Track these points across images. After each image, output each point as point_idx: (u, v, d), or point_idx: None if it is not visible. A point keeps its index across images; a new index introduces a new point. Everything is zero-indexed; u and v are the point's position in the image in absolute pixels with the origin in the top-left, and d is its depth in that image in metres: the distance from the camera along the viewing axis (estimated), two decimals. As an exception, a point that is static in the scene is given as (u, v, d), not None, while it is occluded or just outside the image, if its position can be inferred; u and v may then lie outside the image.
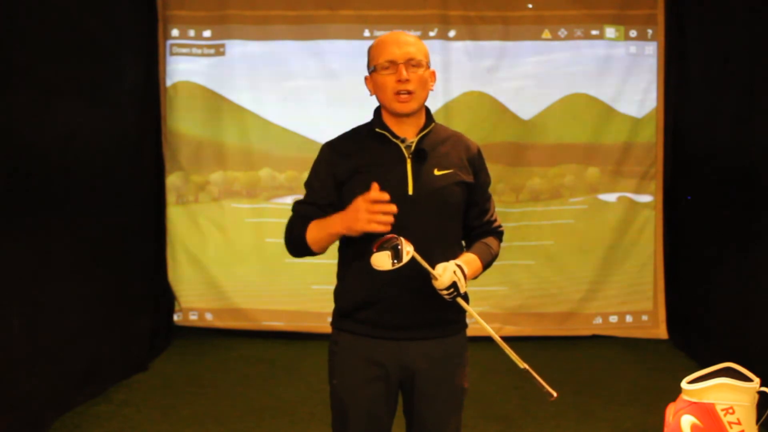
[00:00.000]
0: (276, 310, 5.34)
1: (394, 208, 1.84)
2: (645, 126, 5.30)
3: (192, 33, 5.27)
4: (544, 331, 5.32)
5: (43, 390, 3.54)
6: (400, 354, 2.01)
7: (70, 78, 3.86)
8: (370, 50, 2.04)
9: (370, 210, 1.84)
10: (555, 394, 1.87)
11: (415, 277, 1.92)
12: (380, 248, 1.82)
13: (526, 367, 1.91)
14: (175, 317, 5.35)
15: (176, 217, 5.36)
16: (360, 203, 1.85)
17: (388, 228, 1.84)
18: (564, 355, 4.98)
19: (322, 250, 2.04)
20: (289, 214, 2.12)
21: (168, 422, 3.74)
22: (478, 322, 1.95)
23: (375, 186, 1.85)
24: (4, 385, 3.25)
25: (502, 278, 5.27)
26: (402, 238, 1.82)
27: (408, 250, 1.81)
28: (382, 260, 1.81)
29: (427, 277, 1.90)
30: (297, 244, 2.05)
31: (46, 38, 3.63)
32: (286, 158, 5.29)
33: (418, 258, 1.85)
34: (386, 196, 1.84)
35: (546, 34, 5.25)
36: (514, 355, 1.91)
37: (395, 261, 1.80)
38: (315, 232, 2.00)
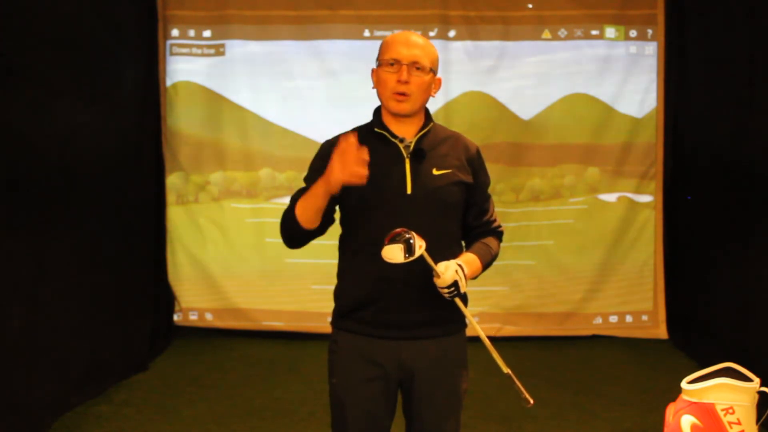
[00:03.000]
0: (276, 310, 5.34)
1: (366, 155, 1.81)
2: (645, 126, 5.30)
3: (192, 33, 5.27)
4: (544, 331, 5.32)
5: (43, 390, 3.54)
6: (399, 354, 2.01)
7: (70, 78, 3.86)
8: (381, 45, 2.05)
9: (346, 161, 1.80)
10: (531, 402, 1.89)
11: (415, 277, 1.93)
12: (392, 241, 1.83)
13: (509, 372, 1.92)
14: (175, 317, 5.35)
15: (176, 217, 5.36)
16: (334, 157, 1.83)
17: (363, 181, 1.82)
18: (564, 355, 4.98)
19: (311, 223, 1.95)
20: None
21: (168, 422, 3.74)
22: (470, 323, 1.97)
23: (351, 139, 1.81)
24: (4, 385, 3.24)
25: (502, 278, 5.27)
26: (414, 233, 1.83)
27: (420, 245, 1.82)
28: (394, 253, 1.82)
29: (427, 277, 1.91)
30: (288, 223, 1.99)
31: (46, 38, 3.63)
32: (286, 158, 5.29)
33: (426, 254, 1.86)
34: (363, 150, 1.82)
35: (546, 34, 5.25)
36: (500, 359, 1.93)
37: (407, 255, 1.81)
38: (301, 203, 1.96)
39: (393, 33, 2.06)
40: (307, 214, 1.94)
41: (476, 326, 1.95)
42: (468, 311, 1.98)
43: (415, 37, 2.01)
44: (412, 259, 1.82)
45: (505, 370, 1.93)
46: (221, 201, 5.35)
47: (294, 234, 2.00)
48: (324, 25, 5.24)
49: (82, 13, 3.99)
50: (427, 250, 1.86)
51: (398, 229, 1.84)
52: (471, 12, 5.23)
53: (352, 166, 1.81)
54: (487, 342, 1.94)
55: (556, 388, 4.24)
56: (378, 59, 2.04)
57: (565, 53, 5.26)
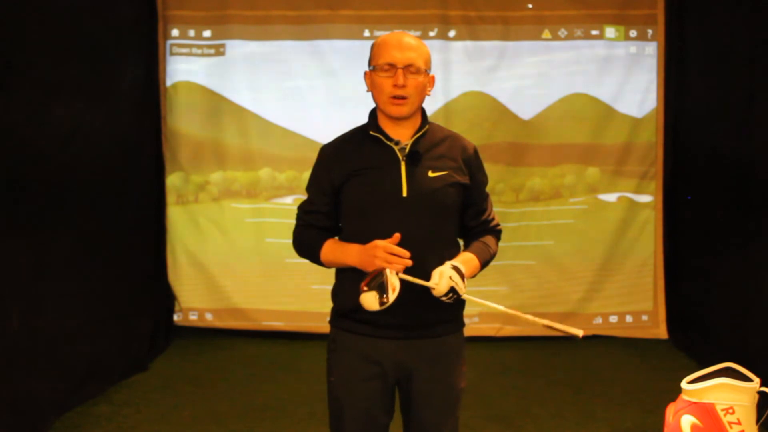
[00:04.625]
0: (276, 310, 5.34)
1: (408, 256, 1.87)
2: (645, 126, 5.30)
3: (192, 33, 5.27)
4: (544, 331, 5.31)
5: (43, 390, 3.54)
6: (397, 353, 2.02)
7: (70, 78, 3.86)
8: (373, 47, 2.04)
9: (387, 258, 1.87)
10: (581, 332, 1.90)
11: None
12: (369, 286, 1.82)
13: (547, 323, 1.94)
14: (175, 317, 5.35)
15: (176, 217, 5.35)
16: (378, 250, 1.87)
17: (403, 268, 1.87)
18: (564, 355, 4.98)
19: (332, 267, 2.12)
20: (290, 213, 2.14)
21: (168, 422, 3.74)
22: (487, 306, 1.97)
23: (397, 236, 1.88)
24: (4, 385, 3.25)
25: (502, 278, 5.27)
26: (387, 271, 1.82)
27: (394, 286, 1.81)
28: (369, 301, 1.82)
29: (425, 277, 1.91)
30: (310, 258, 2.12)
31: (46, 38, 3.63)
32: (286, 158, 5.29)
33: (410, 279, 1.86)
34: (407, 253, 1.87)
35: (546, 34, 5.25)
36: (531, 317, 1.95)
37: (384, 298, 1.81)
38: (330, 255, 2.05)
39: (383, 35, 2.05)
40: (332, 264, 2.08)
41: (494, 305, 1.96)
42: (480, 300, 1.97)
43: (407, 38, 2.00)
44: (388, 304, 1.81)
45: (542, 323, 1.95)
46: (221, 201, 5.35)
47: (313, 263, 2.13)
48: (324, 25, 5.23)
49: (82, 13, 3.99)
50: (423, 252, 1.87)
51: (373, 272, 1.83)
52: (471, 12, 5.23)
53: (394, 260, 1.86)
54: (513, 311, 1.97)
55: (556, 388, 4.24)
56: (371, 63, 2.03)
57: (565, 53, 5.26)
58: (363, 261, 1.93)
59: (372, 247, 1.89)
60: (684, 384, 1.55)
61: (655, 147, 5.30)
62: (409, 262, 1.87)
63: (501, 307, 1.94)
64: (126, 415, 3.81)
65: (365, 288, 1.82)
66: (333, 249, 2.05)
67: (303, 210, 2.12)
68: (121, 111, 4.53)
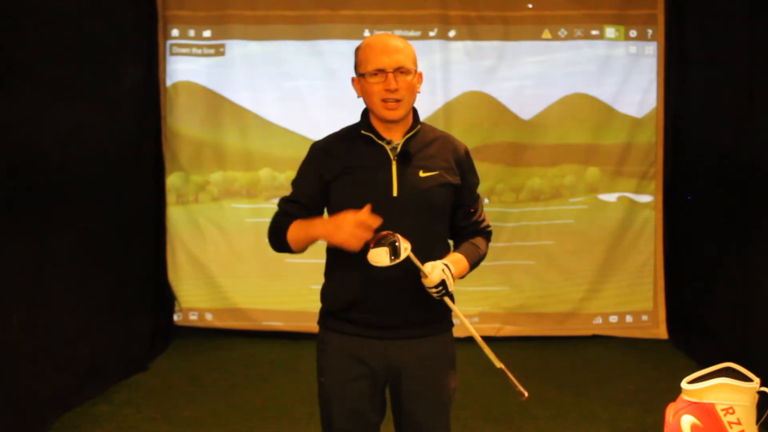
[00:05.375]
0: (276, 310, 5.34)
1: (380, 223, 1.86)
2: (645, 126, 5.30)
3: (192, 33, 5.27)
4: (544, 331, 5.32)
5: (43, 390, 3.54)
6: (385, 353, 2.02)
7: (70, 78, 3.86)
8: (357, 53, 2.04)
9: (357, 230, 1.85)
10: (526, 394, 1.90)
11: (401, 278, 1.94)
12: (378, 244, 1.83)
13: (502, 366, 1.92)
14: (175, 317, 5.35)
15: (176, 217, 5.36)
16: (348, 218, 1.86)
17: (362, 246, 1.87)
18: (564, 355, 4.98)
19: (301, 250, 2.06)
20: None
21: (168, 422, 3.74)
22: (461, 320, 1.98)
23: (368, 208, 1.86)
24: (4, 385, 3.25)
25: (502, 278, 5.28)
26: (399, 235, 1.84)
27: (405, 247, 1.84)
28: (380, 256, 1.83)
29: (414, 278, 1.92)
30: (277, 239, 2.07)
31: (46, 38, 3.63)
32: (286, 158, 5.28)
33: (412, 256, 1.86)
34: (377, 222, 1.86)
35: (546, 34, 5.25)
36: (492, 354, 1.94)
37: (393, 257, 1.83)
38: (296, 232, 2.02)
39: (366, 39, 2.04)
40: (299, 245, 2.04)
41: (467, 324, 1.96)
42: (458, 309, 1.98)
43: (392, 39, 2.00)
44: (398, 261, 1.83)
45: (498, 364, 1.93)
46: (221, 201, 5.36)
47: (283, 250, 2.09)
48: (324, 25, 5.24)
49: (83, 14, 3.99)
50: (413, 251, 1.87)
51: (383, 232, 1.85)
52: (471, 12, 5.23)
53: (360, 237, 1.85)
54: (478, 338, 1.95)
55: (556, 388, 4.24)
56: (358, 70, 2.02)
57: (565, 53, 5.26)
58: (329, 231, 1.91)
59: (339, 219, 1.88)
60: (684, 384, 1.55)
61: (655, 147, 5.31)
62: (376, 224, 1.85)
63: (474, 332, 1.95)
64: (126, 415, 3.81)
65: (372, 246, 1.84)
66: (299, 225, 2.02)
67: (283, 200, 2.11)
68: (121, 111, 4.53)
